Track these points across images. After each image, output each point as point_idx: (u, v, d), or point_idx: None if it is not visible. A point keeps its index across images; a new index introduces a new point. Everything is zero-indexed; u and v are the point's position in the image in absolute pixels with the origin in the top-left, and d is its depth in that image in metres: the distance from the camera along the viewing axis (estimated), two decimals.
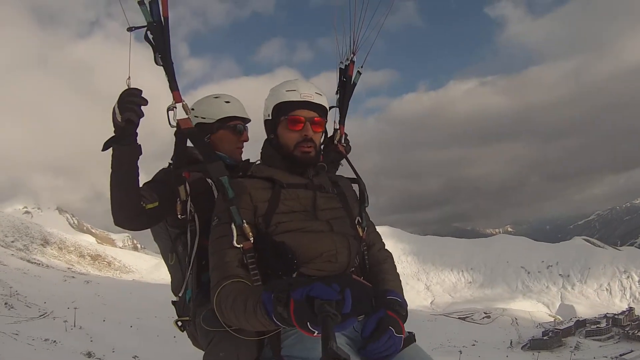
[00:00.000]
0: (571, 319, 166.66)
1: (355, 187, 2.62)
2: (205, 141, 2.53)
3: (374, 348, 2.02)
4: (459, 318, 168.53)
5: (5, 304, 65.71)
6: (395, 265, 2.55)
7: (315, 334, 1.56)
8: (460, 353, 78.34)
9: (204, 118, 2.94)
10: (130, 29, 2.21)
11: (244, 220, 2.12)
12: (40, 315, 65.02)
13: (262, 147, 2.52)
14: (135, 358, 43.77)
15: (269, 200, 2.22)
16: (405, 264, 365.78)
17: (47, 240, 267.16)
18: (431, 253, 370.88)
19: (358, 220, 2.44)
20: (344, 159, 2.85)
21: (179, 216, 2.43)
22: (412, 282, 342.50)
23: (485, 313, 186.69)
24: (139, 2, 2.16)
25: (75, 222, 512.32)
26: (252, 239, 2.12)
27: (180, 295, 2.60)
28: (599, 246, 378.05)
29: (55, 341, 43.76)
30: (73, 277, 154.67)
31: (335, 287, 1.60)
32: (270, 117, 2.36)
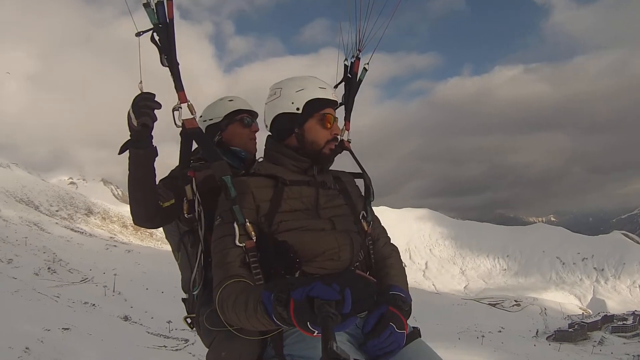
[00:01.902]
0: (599, 313, 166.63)
1: (360, 181, 2.61)
2: (209, 141, 2.45)
3: (375, 344, 2.04)
4: (489, 304, 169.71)
5: (49, 268, 68.88)
6: (401, 260, 2.54)
7: (315, 334, 1.55)
8: (483, 337, 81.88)
9: (212, 119, 3.02)
10: (138, 34, 2.23)
11: (247, 220, 2.11)
12: (81, 281, 67.84)
13: (266, 144, 2.48)
14: (169, 323, 44.66)
15: (271, 199, 2.20)
16: (442, 248, 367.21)
17: (91, 210, 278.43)
18: (468, 238, 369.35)
19: (363, 215, 2.44)
20: (350, 155, 2.69)
21: (186, 215, 2.45)
22: (448, 266, 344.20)
23: (515, 301, 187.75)
24: (144, 5, 2.19)
25: (120, 193, 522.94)
26: (254, 238, 2.11)
27: (189, 292, 2.61)
28: (637, 242, 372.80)
29: (94, 304, 45.24)
30: (115, 246, 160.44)
31: (335, 287, 1.58)
32: (300, 111, 2.29)
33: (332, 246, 2.17)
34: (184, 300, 2.70)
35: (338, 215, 2.31)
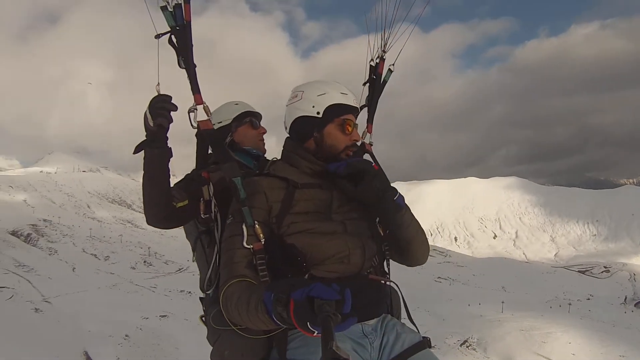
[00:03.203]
0: None
1: None
2: (222, 143, 2.49)
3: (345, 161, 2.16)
4: (578, 271, 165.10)
5: (144, 262, 73.30)
6: (422, 232, 2.39)
7: (315, 334, 1.54)
8: (570, 305, 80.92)
9: (221, 122, 3.06)
10: (157, 36, 2.26)
11: (256, 221, 2.10)
12: (177, 271, 69.95)
13: (284, 145, 2.45)
14: None
15: (283, 201, 2.18)
16: (532, 216, 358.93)
17: None
18: (558, 204, 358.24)
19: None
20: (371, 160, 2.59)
21: (202, 215, 2.49)
22: (538, 234, 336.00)
23: (604, 267, 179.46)
24: (162, 8, 2.22)
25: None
26: (262, 240, 2.09)
27: (205, 292, 2.60)
28: None
29: (190, 292, 45.14)
30: None
31: (335, 287, 1.60)
32: (320, 115, 2.27)
33: (342, 249, 2.13)
34: (201, 299, 2.70)
35: (351, 219, 2.26)
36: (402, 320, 2.44)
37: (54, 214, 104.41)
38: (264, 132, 3.18)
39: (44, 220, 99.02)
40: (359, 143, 2.52)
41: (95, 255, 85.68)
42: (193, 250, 2.81)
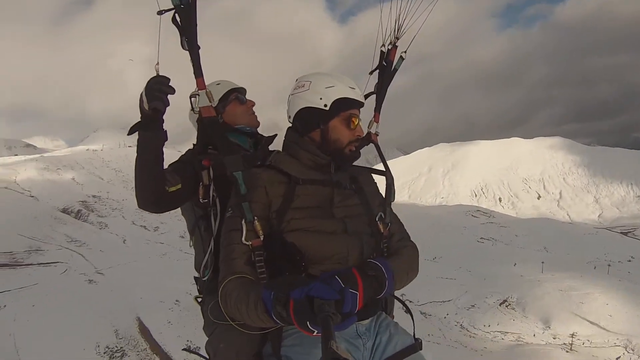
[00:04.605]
0: None
1: (379, 178, 2.53)
2: (224, 132, 2.45)
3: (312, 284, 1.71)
4: (621, 232, 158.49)
5: None
6: (413, 254, 2.35)
7: (314, 334, 1.55)
8: (609, 266, 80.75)
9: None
10: (160, 12, 2.15)
11: (255, 217, 2.07)
12: None
13: (286, 135, 2.39)
14: None
15: (283, 195, 2.14)
16: (575, 176, 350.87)
17: None
18: (601, 165, 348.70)
19: (380, 216, 2.33)
20: (376, 150, 2.61)
21: (201, 200, 2.48)
22: (582, 195, 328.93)
23: None
24: None
25: None
26: (261, 236, 2.06)
27: (202, 277, 2.59)
28: None
29: None
30: None
31: (335, 285, 1.63)
32: (327, 108, 2.21)
33: (340, 250, 2.10)
34: (196, 279, 2.71)
35: (351, 216, 2.24)
36: (394, 313, 2.50)
37: (102, 189, 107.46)
38: (253, 105, 3.07)
39: (93, 196, 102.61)
40: (367, 131, 2.57)
41: (144, 227, 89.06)
42: (191, 234, 2.78)
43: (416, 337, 2.25)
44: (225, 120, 2.95)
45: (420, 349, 2.20)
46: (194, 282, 2.75)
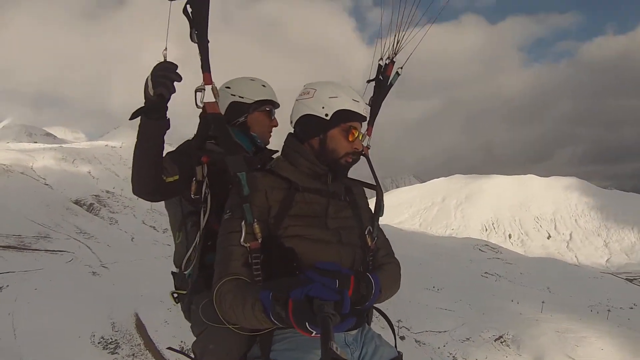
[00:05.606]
0: None
1: (369, 192, 2.54)
2: (228, 130, 2.31)
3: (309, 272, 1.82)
4: (626, 279, 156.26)
5: None
6: (396, 271, 2.40)
7: (313, 334, 1.54)
8: (609, 312, 79.97)
9: (242, 97, 2.89)
10: None
11: (255, 219, 2.06)
12: None
13: (286, 141, 2.37)
14: None
15: (282, 201, 2.15)
16: (587, 219, 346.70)
17: None
18: (614, 209, 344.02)
19: (369, 230, 2.36)
20: (368, 164, 2.62)
21: (192, 196, 2.42)
22: (592, 238, 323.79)
23: None
24: None
25: None
26: (260, 239, 2.05)
27: (179, 269, 2.55)
28: None
29: None
30: None
31: (334, 286, 1.62)
32: (328, 118, 2.21)
33: (334, 259, 2.07)
34: (173, 274, 2.66)
35: (345, 227, 2.26)
36: (372, 326, 2.49)
37: (117, 186, 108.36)
38: (276, 126, 3.05)
39: (107, 191, 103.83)
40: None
41: (154, 227, 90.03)
42: (171, 223, 2.75)
43: (398, 350, 2.29)
44: (247, 121, 2.94)
45: None
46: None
